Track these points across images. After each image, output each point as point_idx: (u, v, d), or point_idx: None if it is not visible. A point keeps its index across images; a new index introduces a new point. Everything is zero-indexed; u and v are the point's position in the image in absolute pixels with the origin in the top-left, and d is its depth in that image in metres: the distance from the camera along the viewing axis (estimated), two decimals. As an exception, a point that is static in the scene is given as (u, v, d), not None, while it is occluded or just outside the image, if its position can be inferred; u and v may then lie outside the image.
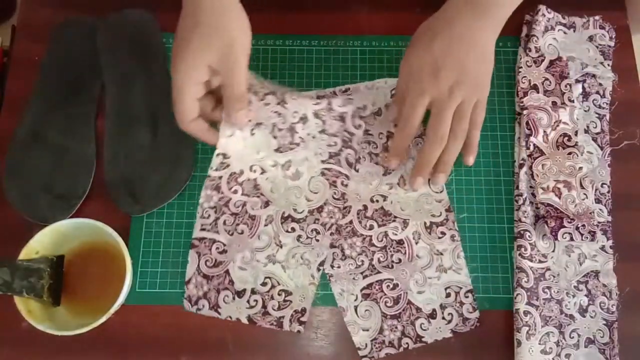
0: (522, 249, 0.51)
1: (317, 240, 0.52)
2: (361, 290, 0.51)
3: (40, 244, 0.48)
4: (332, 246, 0.52)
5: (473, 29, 0.48)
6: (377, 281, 0.51)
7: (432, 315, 0.51)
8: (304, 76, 0.58)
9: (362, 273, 0.52)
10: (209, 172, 0.54)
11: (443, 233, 0.53)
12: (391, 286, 0.51)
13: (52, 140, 0.55)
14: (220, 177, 0.54)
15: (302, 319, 0.51)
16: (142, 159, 0.54)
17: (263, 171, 0.54)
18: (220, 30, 0.46)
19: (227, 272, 0.51)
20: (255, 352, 0.50)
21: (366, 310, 0.51)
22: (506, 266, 0.52)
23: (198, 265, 0.52)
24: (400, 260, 0.52)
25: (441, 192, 0.54)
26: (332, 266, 0.52)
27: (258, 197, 0.53)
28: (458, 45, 0.48)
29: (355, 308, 0.51)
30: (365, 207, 0.53)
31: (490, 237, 0.53)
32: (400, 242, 0.52)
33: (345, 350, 0.50)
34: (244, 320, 0.50)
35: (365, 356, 0.50)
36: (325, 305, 0.51)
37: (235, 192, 0.54)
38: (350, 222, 0.53)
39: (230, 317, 0.50)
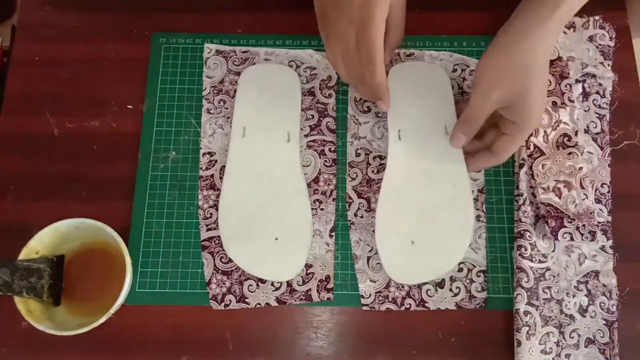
0: (522, 249, 0.51)
1: (322, 209, 0.53)
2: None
3: (40, 244, 0.48)
4: (359, 196, 0.53)
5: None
6: None
7: (440, 285, 0.51)
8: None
9: None
10: (200, 173, 0.54)
11: None
12: None
13: None
14: (212, 175, 0.54)
15: (329, 286, 0.51)
16: None
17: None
18: None
19: None
20: (255, 352, 0.50)
21: (378, 263, 0.52)
22: (506, 266, 0.52)
23: (214, 263, 0.52)
24: None
25: (479, 171, 0.54)
26: (355, 214, 0.53)
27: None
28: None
29: (368, 259, 0.52)
30: None
31: (490, 237, 0.53)
32: None
33: (345, 350, 0.50)
34: (273, 303, 0.51)
35: (367, 305, 0.51)
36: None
37: None
38: (382, 179, 0.54)
39: (260, 304, 0.51)
